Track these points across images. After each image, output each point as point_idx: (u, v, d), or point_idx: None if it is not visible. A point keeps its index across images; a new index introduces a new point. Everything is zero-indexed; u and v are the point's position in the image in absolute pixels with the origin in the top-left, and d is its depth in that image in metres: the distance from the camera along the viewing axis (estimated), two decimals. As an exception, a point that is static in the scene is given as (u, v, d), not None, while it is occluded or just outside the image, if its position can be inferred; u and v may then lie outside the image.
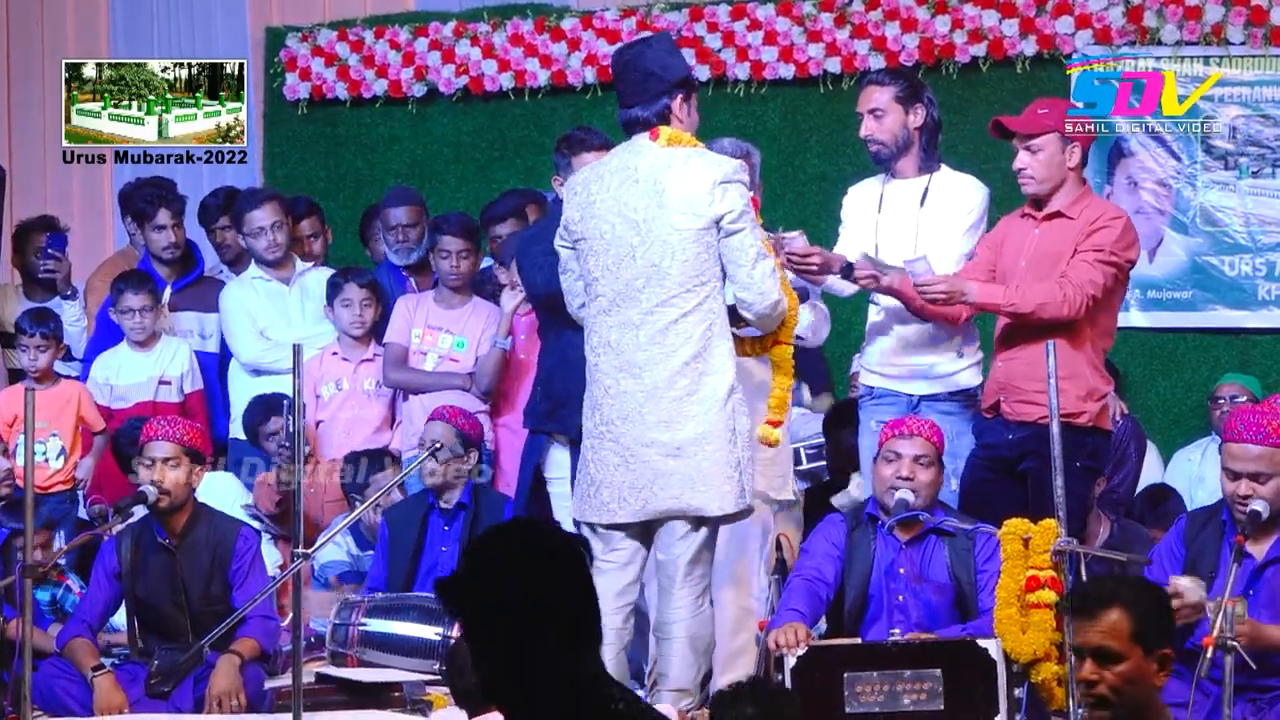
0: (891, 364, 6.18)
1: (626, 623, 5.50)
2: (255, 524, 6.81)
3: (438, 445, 6.59)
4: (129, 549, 6.09)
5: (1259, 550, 5.26)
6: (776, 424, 5.61)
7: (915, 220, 6.06)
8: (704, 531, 5.45)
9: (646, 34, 8.69)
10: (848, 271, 5.92)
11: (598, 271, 5.47)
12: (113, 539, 6.13)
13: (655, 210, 5.38)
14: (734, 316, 5.51)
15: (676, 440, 5.36)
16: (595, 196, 5.48)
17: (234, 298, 7.74)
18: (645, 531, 5.52)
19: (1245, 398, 7.49)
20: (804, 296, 5.88)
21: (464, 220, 7.64)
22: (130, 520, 6.12)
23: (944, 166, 6.17)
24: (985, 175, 6.41)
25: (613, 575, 5.50)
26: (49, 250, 7.82)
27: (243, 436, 7.65)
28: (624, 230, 5.42)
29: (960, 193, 6.11)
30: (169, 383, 7.63)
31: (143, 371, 7.61)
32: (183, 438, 6.10)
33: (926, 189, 6.11)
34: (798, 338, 6.10)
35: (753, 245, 5.39)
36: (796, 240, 5.87)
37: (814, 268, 5.87)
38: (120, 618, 6.36)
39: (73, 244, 8.13)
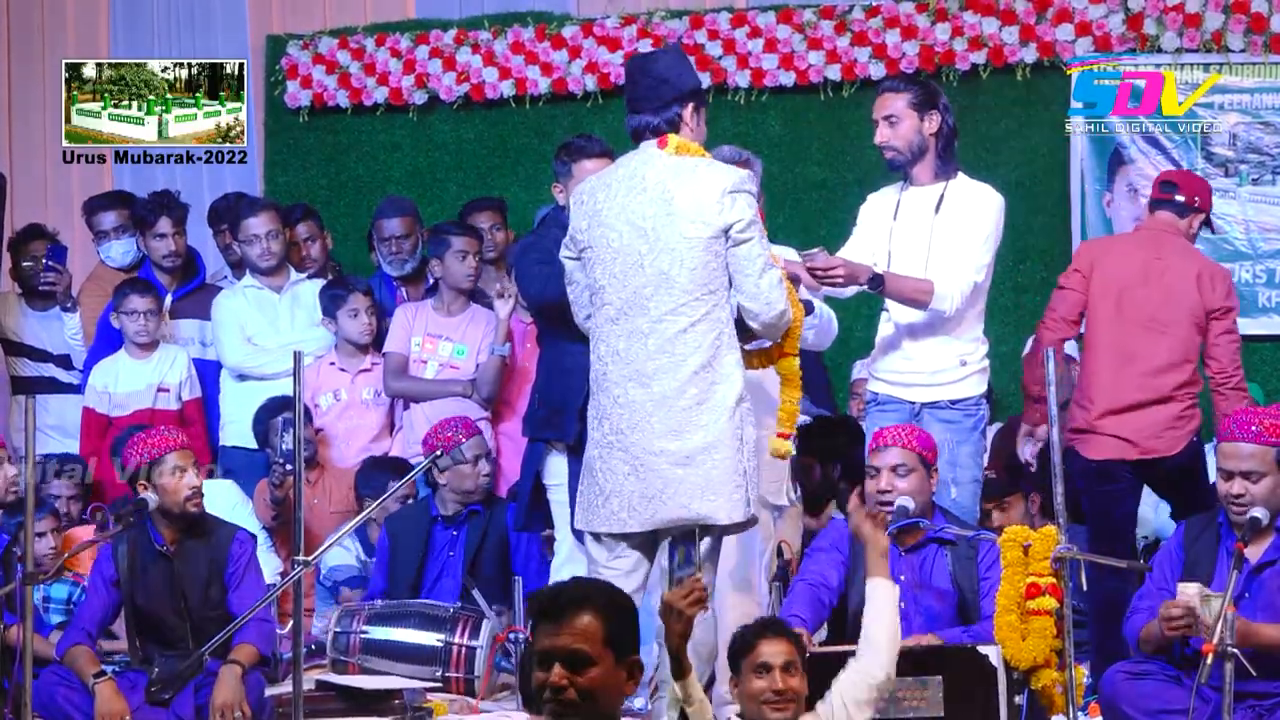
0: (896, 371, 6.18)
1: None
2: None
3: (439, 452, 6.60)
4: (125, 556, 6.09)
5: (1254, 552, 5.28)
6: (787, 436, 5.61)
7: (929, 227, 6.05)
8: (709, 540, 5.44)
9: (652, 44, 8.79)
10: (876, 283, 5.92)
11: (605, 280, 5.45)
12: (109, 546, 6.14)
13: (664, 218, 5.37)
14: (741, 330, 5.51)
15: (686, 449, 5.34)
16: (602, 205, 5.47)
17: (225, 305, 7.76)
18: (650, 540, 5.52)
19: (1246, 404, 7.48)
20: (809, 310, 5.87)
21: (463, 223, 7.76)
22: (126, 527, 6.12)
23: (961, 174, 6.16)
24: (985, 183, 6.40)
25: (616, 583, 5.49)
26: (49, 263, 7.81)
27: (232, 444, 7.67)
28: (632, 238, 5.40)
29: (975, 201, 6.10)
30: (167, 390, 7.64)
31: (141, 379, 7.61)
32: (190, 444, 6.18)
33: (942, 196, 6.09)
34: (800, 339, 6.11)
35: (760, 255, 5.38)
36: (818, 256, 5.87)
37: (839, 280, 5.88)
38: (120, 625, 6.37)
39: (72, 245, 8.13)
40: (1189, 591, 5.13)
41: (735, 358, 5.41)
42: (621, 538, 5.48)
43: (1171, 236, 6.42)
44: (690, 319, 5.35)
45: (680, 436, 5.34)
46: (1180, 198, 6.48)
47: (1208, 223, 6.58)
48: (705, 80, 8.73)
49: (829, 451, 7.07)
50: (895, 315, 6.14)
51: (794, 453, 5.69)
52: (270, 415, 7.39)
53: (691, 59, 8.36)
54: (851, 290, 6.16)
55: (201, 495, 6.06)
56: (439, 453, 6.53)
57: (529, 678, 4.56)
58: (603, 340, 5.48)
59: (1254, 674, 4.94)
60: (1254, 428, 5.31)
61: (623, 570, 5.49)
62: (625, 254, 5.41)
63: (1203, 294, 6.26)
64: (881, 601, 4.88)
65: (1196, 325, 6.26)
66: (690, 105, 5.50)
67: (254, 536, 6.31)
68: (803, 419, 6.89)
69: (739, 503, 5.36)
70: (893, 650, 4.81)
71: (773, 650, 4.61)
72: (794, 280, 5.74)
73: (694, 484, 5.33)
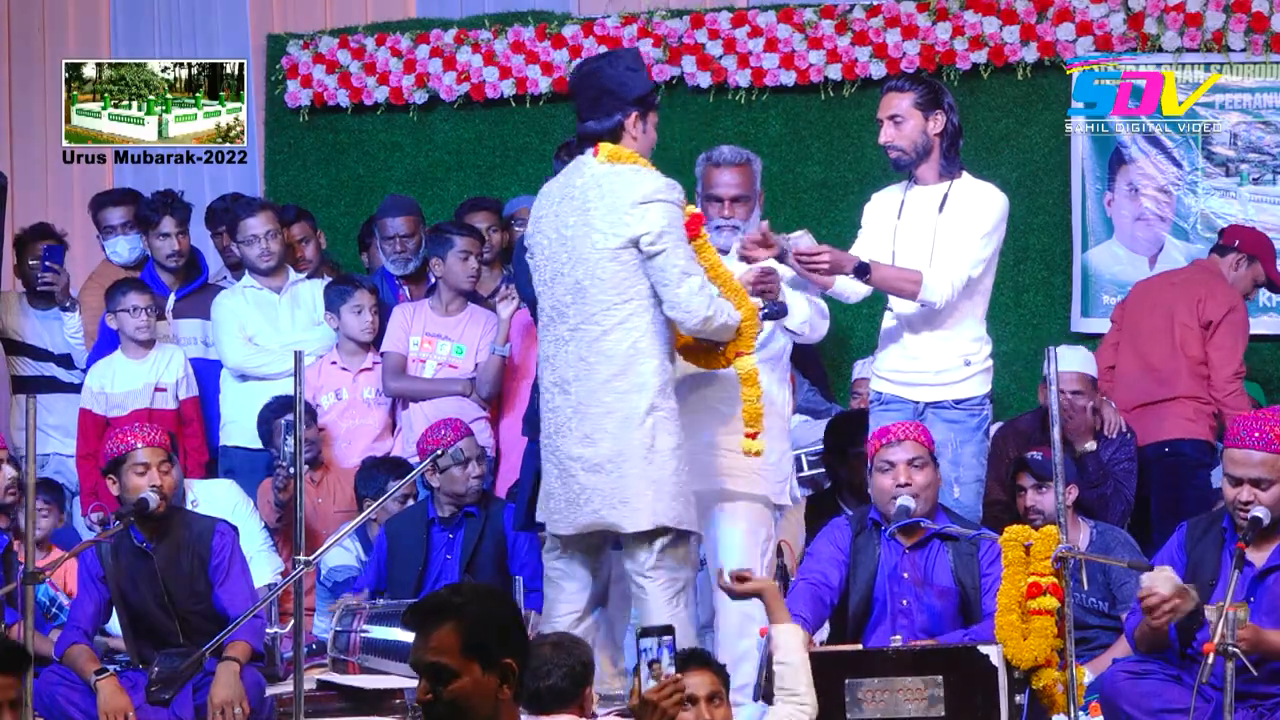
0: (900, 370, 6.17)
1: (577, 627, 5.55)
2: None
3: (440, 452, 6.59)
4: (109, 553, 6.10)
5: (1259, 557, 5.24)
6: (754, 435, 5.61)
7: (933, 227, 6.04)
8: (661, 540, 5.50)
9: (653, 43, 8.79)
10: (862, 271, 5.91)
11: (539, 286, 5.63)
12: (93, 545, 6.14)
13: (581, 229, 5.48)
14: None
15: (596, 457, 5.46)
16: (542, 212, 5.62)
17: (225, 305, 7.77)
18: (578, 543, 5.63)
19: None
20: (780, 313, 5.83)
21: (465, 224, 7.73)
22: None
23: (965, 174, 6.15)
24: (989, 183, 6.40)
25: (559, 582, 5.66)
26: (46, 263, 7.81)
27: (233, 444, 7.66)
28: (556, 247, 5.54)
29: (979, 200, 6.09)
30: (164, 390, 7.64)
31: (138, 379, 7.60)
32: (165, 440, 6.17)
33: (946, 195, 6.07)
34: (792, 333, 6.07)
35: (675, 265, 5.42)
36: (802, 239, 5.86)
37: (824, 266, 5.85)
38: (116, 624, 6.37)
39: (73, 246, 8.13)
40: (1150, 581, 5.12)
41: (653, 366, 5.46)
42: (558, 537, 5.63)
43: (1201, 268, 7.51)
44: (603, 327, 5.45)
45: (594, 443, 5.46)
46: (1222, 241, 7.58)
47: (1272, 285, 7.64)
48: (706, 80, 8.75)
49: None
50: (899, 309, 6.13)
51: (764, 449, 5.67)
52: (274, 415, 7.38)
53: (686, 58, 8.49)
54: (860, 294, 6.14)
55: (164, 497, 6.04)
56: (440, 451, 6.54)
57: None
58: (540, 345, 5.66)
59: (1255, 674, 4.93)
60: (1264, 435, 5.20)
61: (560, 569, 5.66)
62: (551, 263, 5.55)
63: (1197, 308, 7.29)
64: (790, 647, 4.87)
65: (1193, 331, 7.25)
66: (634, 114, 5.56)
67: (235, 528, 6.31)
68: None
69: (643, 512, 5.43)
70: (811, 690, 4.84)
71: (696, 682, 4.57)
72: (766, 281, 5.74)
73: (605, 491, 5.45)
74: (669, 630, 4.26)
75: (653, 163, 5.62)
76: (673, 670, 4.20)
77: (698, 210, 5.64)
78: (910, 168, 6.12)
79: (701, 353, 5.65)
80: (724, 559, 5.86)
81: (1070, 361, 7.05)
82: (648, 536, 5.48)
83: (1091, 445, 6.98)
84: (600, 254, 5.44)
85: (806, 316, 6.09)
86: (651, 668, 4.20)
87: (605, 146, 5.53)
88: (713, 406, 5.84)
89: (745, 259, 5.83)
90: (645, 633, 4.24)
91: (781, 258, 5.84)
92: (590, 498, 5.48)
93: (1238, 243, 7.52)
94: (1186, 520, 5.59)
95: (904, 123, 6.07)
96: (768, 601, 5.00)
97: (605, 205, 5.44)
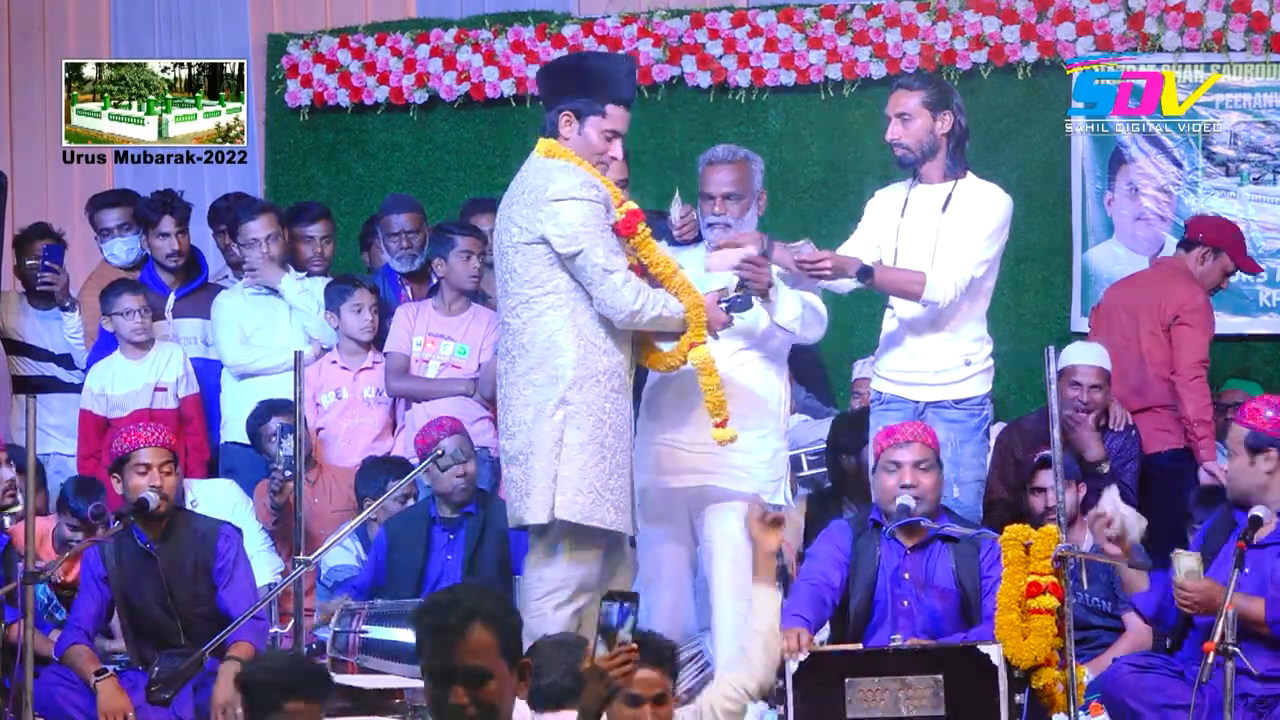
0: (900, 370, 6.17)
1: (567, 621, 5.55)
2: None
3: (439, 452, 6.59)
4: (112, 553, 6.11)
5: (1264, 530, 5.34)
6: (723, 424, 5.61)
7: (936, 226, 6.05)
8: (551, 538, 5.53)
9: (653, 43, 8.79)
10: (865, 274, 5.91)
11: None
12: (96, 544, 6.14)
13: (505, 222, 5.59)
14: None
15: (513, 449, 5.55)
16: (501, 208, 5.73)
17: (224, 306, 7.77)
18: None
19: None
20: (744, 305, 5.82)
21: (466, 223, 7.74)
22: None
23: (970, 174, 6.16)
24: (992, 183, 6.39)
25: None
26: (46, 262, 7.80)
27: (233, 439, 7.66)
28: (497, 243, 5.66)
29: (983, 200, 6.10)
30: (164, 389, 7.63)
31: (138, 379, 7.60)
32: (169, 441, 6.17)
33: (950, 195, 6.08)
34: (784, 330, 6.04)
35: (595, 263, 5.45)
36: (805, 248, 5.87)
37: (827, 273, 5.86)
38: (117, 625, 6.37)
39: (72, 245, 8.13)
40: (1106, 506, 5.30)
41: (571, 359, 5.50)
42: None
43: (1167, 267, 7.50)
44: (522, 320, 5.53)
45: (513, 437, 5.55)
46: (1187, 236, 7.52)
47: (1248, 268, 7.60)
48: (706, 79, 8.77)
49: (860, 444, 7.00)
50: (900, 312, 6.14)
51: (737, 436, 5.64)
52: (261, 420, 7.38)
53: (686, 57, 8.48)
54: (847, 285, 6.15)
55: (164, 498, 6.04)
56: (439, 452, 6.53)
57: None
58: None
59: (1255, 673, 4.96)
60: (1259, 414, 5.53)
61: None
62: (497, 258, 5.66)
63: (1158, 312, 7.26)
64: (761, 610, 4.73)
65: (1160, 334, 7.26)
66: (566, 114, 5.60)
67: (240, 530, 6.32)
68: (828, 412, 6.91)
69: (543, 504, 5.47)
70: (767, 660, 4.69)
71: (644, 680, 4.35)
72: (770, 271, 5.73)
73: (518, 484, 5.52)
74: (632, 597, 4.10)
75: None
76: (629, 639, 4.02)
77: (635, 207, 5.66)
78: (915, 166, 6.13)
79: (656, 352, 5.67)
80: (717, 559, 5.87)
81: (1087, 356, 7.08)
82: (541, 531, 5.52)
83: (1099, 459, 6.92)
84: (515, 249, 5.51)
85: (797, 314, 6.03)
86: (606, 635, 4.03)
87: (544, 142, 5.62)
88: (699, 405, 5.79)
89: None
90: (609, 596, 4.10)
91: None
92: (510, 491, 5.57)
93: (1201, 236, 7.47)
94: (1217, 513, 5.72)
95: (911, 121, 6.07)
96: (756, 556, 4.79)
97: (523, 201, 5.53)
